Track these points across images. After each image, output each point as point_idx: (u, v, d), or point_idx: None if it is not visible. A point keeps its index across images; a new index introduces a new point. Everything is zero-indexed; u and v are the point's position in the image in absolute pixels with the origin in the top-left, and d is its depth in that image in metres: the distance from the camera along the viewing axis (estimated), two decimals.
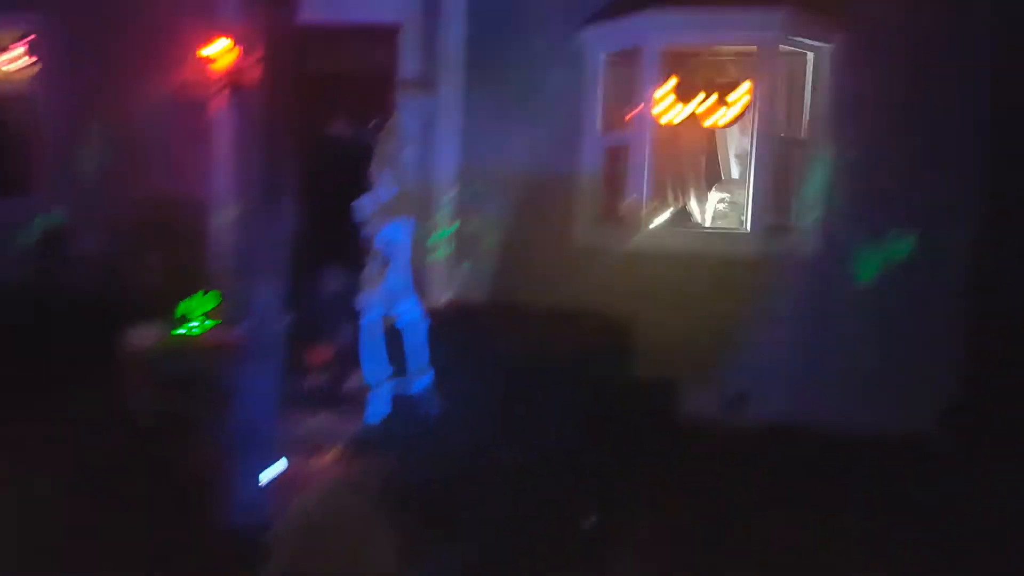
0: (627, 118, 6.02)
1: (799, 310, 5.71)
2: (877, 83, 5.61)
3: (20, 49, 7.42)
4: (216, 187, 6.90)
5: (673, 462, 4.66)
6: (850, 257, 5.67)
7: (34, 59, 7.32)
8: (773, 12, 5.50)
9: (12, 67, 7.50)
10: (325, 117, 6.65)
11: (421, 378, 4.47)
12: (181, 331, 6.05)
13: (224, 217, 6.88)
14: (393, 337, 4.69)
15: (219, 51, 6.45)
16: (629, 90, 6.00)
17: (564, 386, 4.65)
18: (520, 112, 6.20)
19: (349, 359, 5.71)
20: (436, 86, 4.20)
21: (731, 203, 6.37)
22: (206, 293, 6.27)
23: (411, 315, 4.45)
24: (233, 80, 6.54)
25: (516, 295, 6.00)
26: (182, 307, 6.12)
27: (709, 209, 6.67)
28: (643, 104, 5.83)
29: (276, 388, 3.93)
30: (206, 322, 6.12)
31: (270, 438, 3.87)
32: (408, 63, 6.42)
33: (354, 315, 6.10)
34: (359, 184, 6.83)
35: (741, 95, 5.94)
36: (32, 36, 7.28)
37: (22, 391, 5.45)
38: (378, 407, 4.79)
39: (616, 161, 6.16)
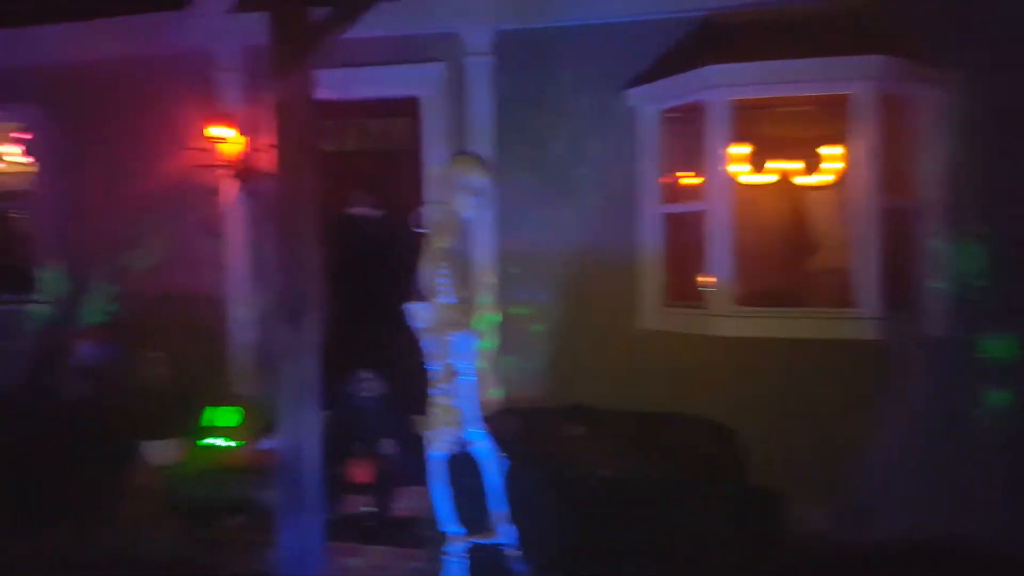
0: (695, 182, 5.31)
1: (922, 404, 4.81)
2: (997, 137, 4.78)
3: (17, 148, 6.93)
4: (231, 281, 6.26)
5: None
6: (983, 342, 4.79)
7: (32, 157, 6.82)
8: (868, 58, 4.78)
9: (9, 163, 7.00)
10: (345, 199, 6.10)
11: (502, 528, 3.60)
12: (208, 442, 5.30)
13: (242, 314, 6.22)
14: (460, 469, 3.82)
15: (224, 138, 5.92)
16: (693, 151, 5.29)
17: (652, 508, 3.83)
18: (562, 184, 5.57)
19: (393, 478, 4.96)
20: (493, 163, 3.50)
21: (831, 277, 5.52)
22: (227, 404, 5.54)
23: (483, 446, 3.61)
24: (241, 167, 6.01)
25: (578, 396, 5.18)
26: (207, 415, 5.38)
27: (804, 285, 5.82)
28: (716, 165, 5.10)
29: (318, 528, 3.21)
30: (230, 440, 5.38)
31: None
32: (431, 138, 5.83)
33: (393, 422, 5.39)
34: (389, 272, 6.32)
35: (836, 153, 5.18)
36: (29, 134, 6.79)
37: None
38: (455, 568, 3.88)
39: (682, 232, 5.42)
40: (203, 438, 5.35)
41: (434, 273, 3.48)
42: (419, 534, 4.50)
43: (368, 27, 3.69)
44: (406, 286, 6.12)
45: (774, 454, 4.57)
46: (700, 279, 5.29)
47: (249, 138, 6.07)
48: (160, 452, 5.36)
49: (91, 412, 5.39)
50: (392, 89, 5.86)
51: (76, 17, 6.29)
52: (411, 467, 4.99)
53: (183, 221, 6.25)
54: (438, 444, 3.65)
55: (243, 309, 6.25)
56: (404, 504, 4.95)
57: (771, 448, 4.60)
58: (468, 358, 3.54)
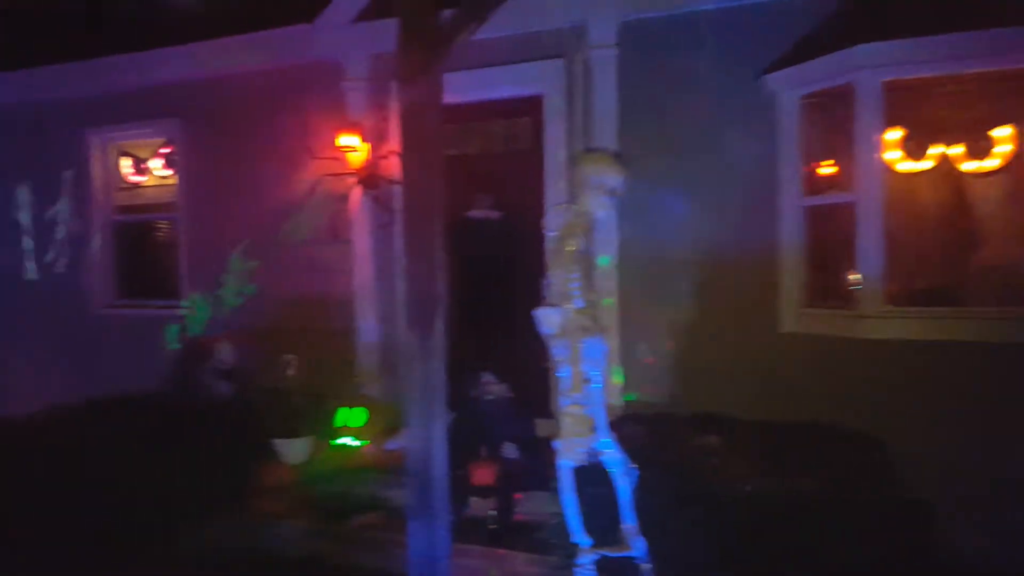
0: (842, 172, 4.90)
1: None
2: None
3: (159, 161, 7.39)
4: (357, 285, 6.38)
5: None
6: None
7: (173, 169, 7.23)
8: None
9: (155, 176, 7.46)
10: (465, 202, 6.07)
11: (633, 541, 3.40)
12: (342, 442, 5.41)
13: (368, 316, 6.33)
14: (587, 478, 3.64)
15: (352, 147, 6.03)
16: (839, 138, 4.87)
17: (795, 524, 3.50)
18: (692, 178, 5.28)
19: (514, 482, 4.86)
20: (627, 160, 3.27)
21: (996, 274, 4.96)
22: (357, 405, 5.64)
23: (613, 456, 3.40)
24: (366, 175, 6.10)
25: (707, 403, 4.89)
26: (340, 415, 5.49)
27: (965, 283, 5.25)
28: (866, 152, 4.67)
29: (446, 532, 3.18)
30: (359, 440, 5.47)
31: None
32: (552, 136, 5.68)
33: (515, 425, 5.30)
34: (509, 274, 6.26)
35: (1004, 135, 4.63)
36: (171, 147, 7.20)
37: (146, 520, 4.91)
38: None
39: (825, 226, 5.01)
40: (336, 438, 5.46)
41: (565, 277, 3.28)
42: (542, 540, 4.38)
43: (488, 28, 3.60)
44: (525, 288, 6.06)
45: (928, 467, 4.13)
46: (846, 277, 4.87)
47: (373, 145, 6.17)
48: (293, 451, 5.51)
49: (229, 412, 5.61)
50: (512, 89, 5.78)
51: (214, 35, 6.63)
52: (532, 471, 4.91)
53: (314, 228, 6.42)
54: (569, 454, 3.46)
55: (369, 312, 6.36)
56: (525, 508, 4.83)
57: (925, 461, 4.16)
58: (598, 365, 3.35)
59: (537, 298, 5.79)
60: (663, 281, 5.38)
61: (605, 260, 5.45)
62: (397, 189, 6.15)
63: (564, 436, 3.44)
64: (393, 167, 6.15)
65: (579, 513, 3.47)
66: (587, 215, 3.36)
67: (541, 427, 5.48)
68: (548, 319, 3.32)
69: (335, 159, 6.21)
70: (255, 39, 6.49)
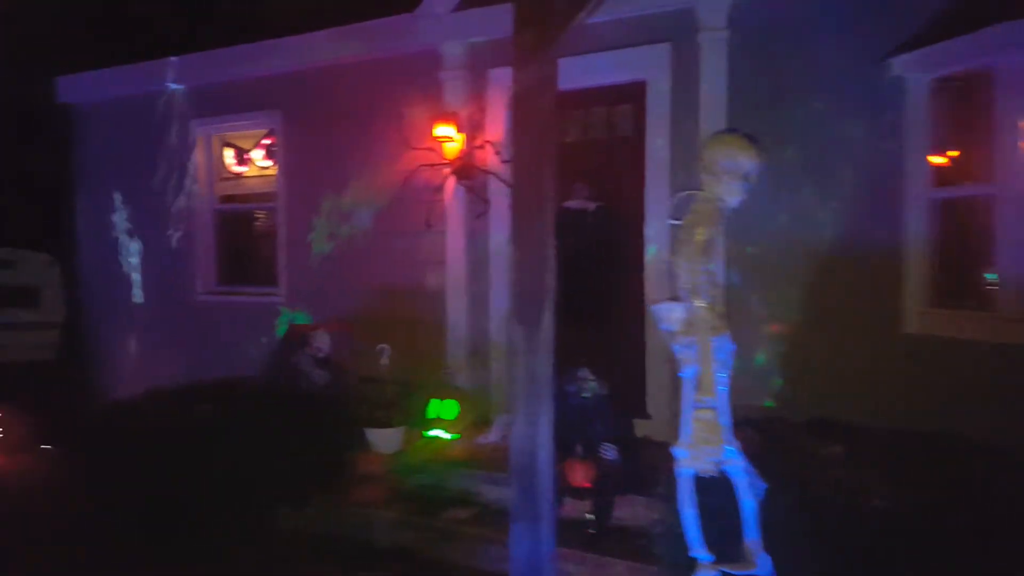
0: (978, 162, 4.49)
1: None
2: None
3: (260, 152, 7.53)
4: (450, 276, 6.33)
5: None
6: None
7: (272, 160, 7.36)
8: None
9: (257, 167, 7.61)
10: (562, 192, 5.89)
11: (757, 558, 3.16)
12: (434, 433, 5.37)
13: (459, 308, 6.27)
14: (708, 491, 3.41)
15: (449, 137, 5.97)
16: (976, 125, 4.47)
17: (933, 546, 3.19)
18: (808, 168, 4.96)
19: (612, 484, 4.68)
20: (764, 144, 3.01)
21: None
22: (444, 398, 5.58)
23: (738, 466, 3.16)
24: (460, 165, 6.03)
25: (823, 408, 4.57)
26: (432, 407, 5.45)
27: None
28: (1010, 140, 4.27)
29: (550, 536, 3.03)
30: (451, 433, 5.42)
31: None
32: (655, 123, 5.46)
33: (613, 424, 5.11)
34: (606, 266, 6.09)
35: None
36: (271, 138, 7.32)
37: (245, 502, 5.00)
38: None
39: (958, 220, 4.62)
40: (428, 429, 5.42)
41: (692, 269, 3.05)
42: (644, 548, 4.19)
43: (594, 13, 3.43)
44: (622, 281, 5.89)
45: None
46: (981, 276, 4.46)
47: (468, 136, 6.10)
48: (385, 440, 5.50)
49: (324, 399, 5.66)
50: (614, 75, 5.57)
51: (316, 27, 6.69)
52: (630, 473, 4.71)
53: (408, 218, 6.41)
54: (696, 463, 3.22)
55: (460, 303, 6.31)
56: (622, 512, 4.65)
57: None
58: (726, 366, 3.11)
59: (634, 291, 5.70)
60: (775, 276, 5.08)
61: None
62: (492, 179, 6.06)
63: (692, 444, 3.18)
64: (488, 157, 6.06)
65: (698, 526, 3.22)
66: (717, 202, 3.11)
67: (637, 427, 5.30)
68: (671, 315, 3.10)
69: (430, 149, 6.17)
70: (355, 30, 6.52)
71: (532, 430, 3.07)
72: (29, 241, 10.41)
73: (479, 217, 6.14)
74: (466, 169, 6.09)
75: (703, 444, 3.08)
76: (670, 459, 4.69)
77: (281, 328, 6.80)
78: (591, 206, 5.89)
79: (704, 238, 3.00)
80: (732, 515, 3.15)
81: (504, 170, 6.01)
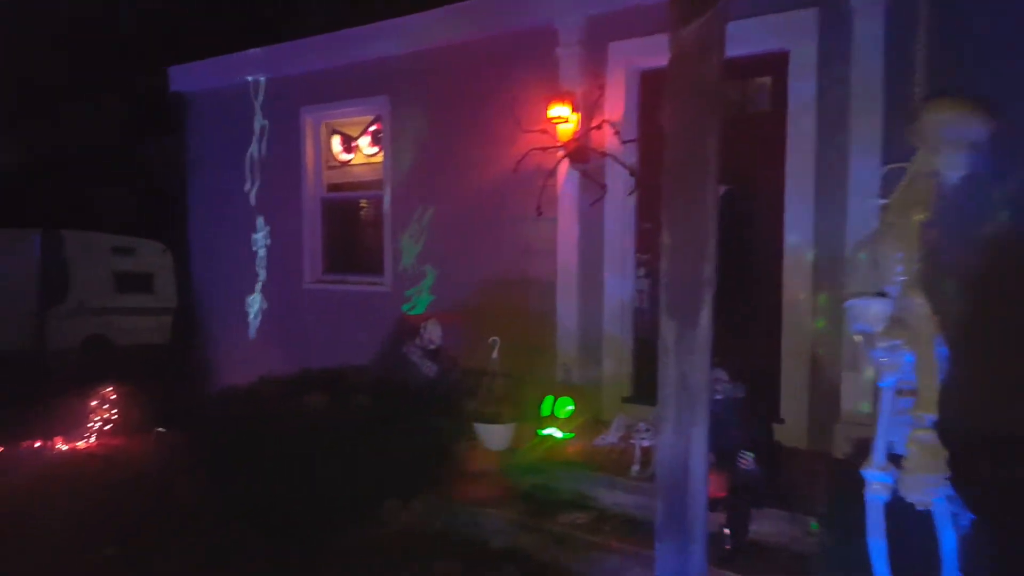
0: None
1: None
2: None
3: (367, 139, 7.40)
4: (561, 266, 6.01)
5: None
6: None
7: (379, 146, 7.22)
8: None
9: (364, 154, 7.50)
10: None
11: None
12: (548, 432, 5.08)
13: (570, 299, 5.93)
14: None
15: (563, 117, 5.63)
16: None
17: None
18: (994, 149, 4.26)
19: (749, 496, 4.25)
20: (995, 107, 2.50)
21: None
22: (559, 395, 5.27)
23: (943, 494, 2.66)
24: (575, 147, 5.68)
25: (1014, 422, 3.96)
26: (547, 404, 5.15)
27: None
28: None
29: (701, 559, 2.69)
30: (564, 431, 5.10)
31: None
32: (799, 97, 4.93)
33: (751, 430, 4.67)
34: (738, 255, 5.58)
35: None
36: (377, 125, 7.17)
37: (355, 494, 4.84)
38: None
39: None
40: (541, 427, 5.13)
41: (900, 257, 2.56)
42: (787, 567, 3.78)
43: None
44: (757, 271, 5.39)
45: None
46: None
47: (584, 116, 5.74)
48: (495, 437, 5.25)
49: (434, 392, 5.46)
50: (752, 45, 5.01)
51: (422, 7, 6.48)
52: (769, 484, 4.27)
53: (518, 205, 6.12)
54: (913, 493, 2.70)
55: (571, 294, 5.97)
56: (758, 527, 4.22)
57: None
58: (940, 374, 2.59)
59: (769, 284, 5.19)
60: (976, 272, 4.41)
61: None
62: (609, 162, 5.69)
63: (909, 470, 2.67)
64: (605, 139, 5.69)
65: (887, 560, 2.75)
66: (934, 178, 2.63)
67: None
68: (869, 312, 2.64)
69: (543, 132, 5.85)
70: (467, 8, 6.28)
71: (683, 442, 2.72)
72: (144, 229, 10.84)
73: (594, 203, 5.78)
74: (581, 151, 5.74)
75: (921, 471, 2.58)
76: (808, 468, 4.21)
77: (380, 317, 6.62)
78: (720, 190, 5.42)
79: (921, 219, 2.52)
80: (925, 548, 2.67)
81: (623, 152, 5.63)
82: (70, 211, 11.23)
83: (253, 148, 7.91)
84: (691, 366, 2.68)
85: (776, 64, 5.04)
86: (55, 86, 11.29)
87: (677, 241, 2.65)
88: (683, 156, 2.64)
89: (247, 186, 8.00)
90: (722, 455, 4.50)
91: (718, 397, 4.67)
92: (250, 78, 7.85)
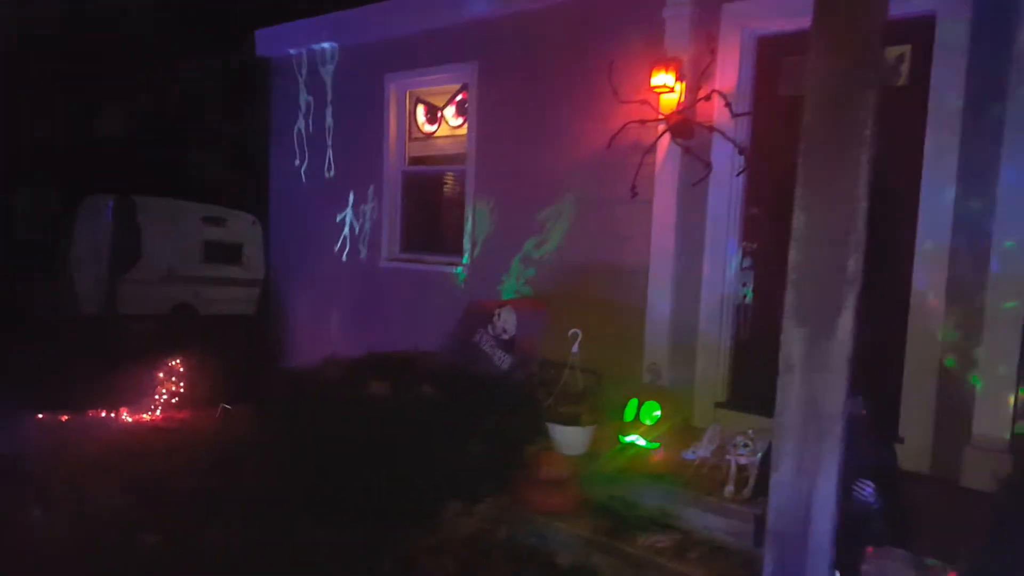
0: None
1: None
2: None
3: (452, 109, 6.96)
4: (655, 253, 5.41)
5: None
6: None
7: (463, 117, 6.77)
8: None
9: (447, 126, 7.07)
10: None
11: None
12: (630, 439, 4.53)
13: (662, 290, 5.33)
14: None
15: (667, 86, 4.99)
16: None
17: None
18: None
19: (865, 532, 3.58)
20: None
21: None
22: (644, 399, 4.69)
23: None
24: (678, 120, 5.04)
25: None
26: (631, 408, 4.59)
27: None
28: None
29: None
30: (649, 440, 4.53)
31: None
32: (945, 67, 4.14)
33: (869, 453, 3.98)
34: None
35: None
36: (464, 94, 6.71)
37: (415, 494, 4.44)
38: None
39: None
40: (624, 433, 4.57)
41: None
42: None
43: None
44: (879, 270, 4.63)
45: None
46: None
47: (690, 85, 5.09)
48: (571, 440, 4.75)
49: (507, 386, 5.00)
50: (893, 6, 4.29)
51: None
52: (891, 518, 3.58)
53: (611, 184, 5.54)
54: None
55: (664, 286, 5.37)
56: (876, 572, 3.56)
57: None
58: None
59: (895, 285, 4.43)
60: None
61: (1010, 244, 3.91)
62: (716, 139, 5.03)
63: None
64: (713, 111, 5.03)
65: None
66: None
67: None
68: None
69: (643, 103, 5.24)
70: None
71: (806, 484, 2.13)
72: (233, 199, 10.86)
73: (697, 183, 5.13)
74: (685, 125, 5.10)
75: None
76: (933, 497, 3.61)
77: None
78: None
79: None
80: None
81: (733, 127, 4.96)
82: (167, 178, 11.38)
83: (335, 118, 7.61)
84: (823, 387, 2.08)
85: (919, 29, 4.24)
86: (149, 50, 11.39)
87: (813, 226, 2.05)
88: (828, 118, 2.02)
89: (329, 157, 7.72)
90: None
91: None
92: (332, 44, 7.55)
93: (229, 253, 11.03)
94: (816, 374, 2.08)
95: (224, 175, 11.48)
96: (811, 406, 2.09)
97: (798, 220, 2.09)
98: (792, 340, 2.12)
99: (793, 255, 2.12)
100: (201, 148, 11.90)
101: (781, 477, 2.18)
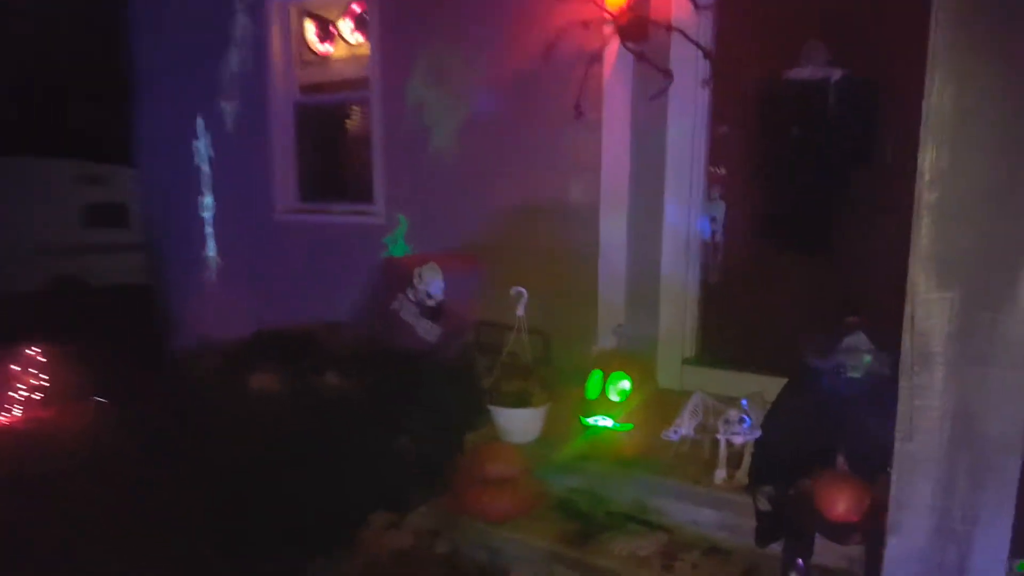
0: None
1: None
2: None
3: (349, 23, 5.72)
4: (606, 186, 4.48)
5: None
6: None
7: (364, 34, 5.57)
8: None
9: (344, 44, 5.84)
10: (787, 52, 3.95)
11: None
12: (594, 421, 3.61)
13: (618, 231, 4.42)
14: None
15: None
16: None
17: None
18: None
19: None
20: None
21: None
22: (611, 370, 3.75)
23: None
24: (629, 18, 4.08)
25: None
26: (594, 384, 3.65)
27: None
28: None
29: None
30: (617, 420, 3.61)
31: None
32: None
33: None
34: (858, 167, 4.10)
35: None
36: (360, 3, 5.52)
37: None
38: None
39: None
40: (587, 414, 3.64)
41: None
42: None
43: None
44: (888, 189, 3.87)
45: None
46: None
47: None
48: (520, 425, 3.84)
49: (436, 363, 4.00)
50: None
51: None
52: None
53: (550, 103, 4.51)
54: None
55: (618, 224, 4.44)
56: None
57: None
58: None
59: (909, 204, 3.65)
60: None
61: None
62: (677, 40, 4.07)
63: None
64: (671, 6, 4.06)
65: None
66: None
67: None
68: None
69: (587, 0, 4.19)
70: None
71: (954, 551, 1.22)
72: (95, 151, 9.35)
73: (654, 98, 4.17)
74: (638, 25, 4.10)
75: None
76: None
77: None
78: (834, 75, 3.88)
79: None
80: None
81: (696, 24, 4.01)
82: (25, 135, 9.72)
83: (210, 44, 6.27)
84: (986, 394, 1.16)
85: None
86: None
87: (972, 110, 1.08)
88: None
89: (205, 93, 6.38)
90: (857, 460, 3.08)
91: (852, 375, 3.22)
92: None
93: (114, 215, 9.61)
94: (975, 369, 1.16)
95: (94, 124, 9.89)
96: (964, 424, 1.18)
97: (942, 96, 1.13)
98: (929, 313, 1.19)
99: (928, 158, 1.17)
100: (59, 94, 10.24)
101: (905, 541, 1.28)
